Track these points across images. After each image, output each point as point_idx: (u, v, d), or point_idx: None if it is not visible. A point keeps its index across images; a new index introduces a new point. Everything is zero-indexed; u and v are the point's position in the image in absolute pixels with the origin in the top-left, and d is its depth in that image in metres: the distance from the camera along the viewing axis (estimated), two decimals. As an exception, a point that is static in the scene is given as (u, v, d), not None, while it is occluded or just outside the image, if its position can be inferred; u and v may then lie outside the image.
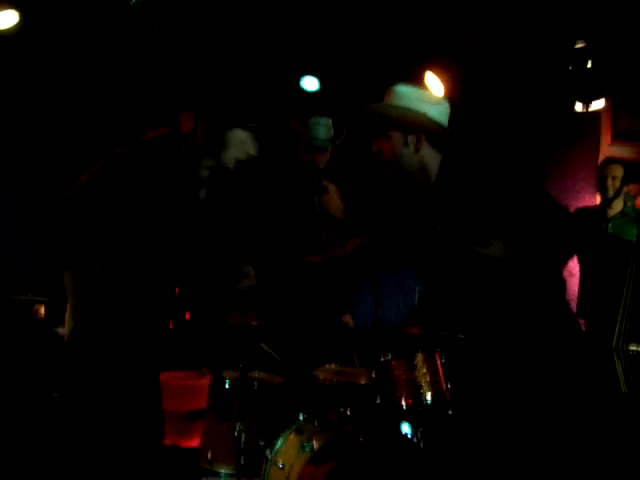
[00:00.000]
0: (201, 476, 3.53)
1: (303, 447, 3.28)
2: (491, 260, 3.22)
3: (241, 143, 3.65)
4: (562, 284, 3.49)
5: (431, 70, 5.36)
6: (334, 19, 5.23)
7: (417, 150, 3.46)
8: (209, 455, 3.54)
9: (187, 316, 3.49)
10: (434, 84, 5.33)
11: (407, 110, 3.41)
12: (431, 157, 3.50)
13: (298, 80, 5.26)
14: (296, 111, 4.43)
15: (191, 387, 3.79)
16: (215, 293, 3.83)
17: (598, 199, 6.07)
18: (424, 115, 3.41)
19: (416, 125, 3.43)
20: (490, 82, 5.59)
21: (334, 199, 4.55)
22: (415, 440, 3.54)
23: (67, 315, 3.70)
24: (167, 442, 3.86)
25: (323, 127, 4.31)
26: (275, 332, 3.85)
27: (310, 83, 5.27)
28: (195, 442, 3.73)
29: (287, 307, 4.20)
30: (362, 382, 3.71)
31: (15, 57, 4.88)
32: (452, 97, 5.38)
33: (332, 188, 4.56)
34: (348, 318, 4.64)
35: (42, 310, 4.48)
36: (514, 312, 3.31)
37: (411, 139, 3.45)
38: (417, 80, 5.44)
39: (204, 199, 3.74)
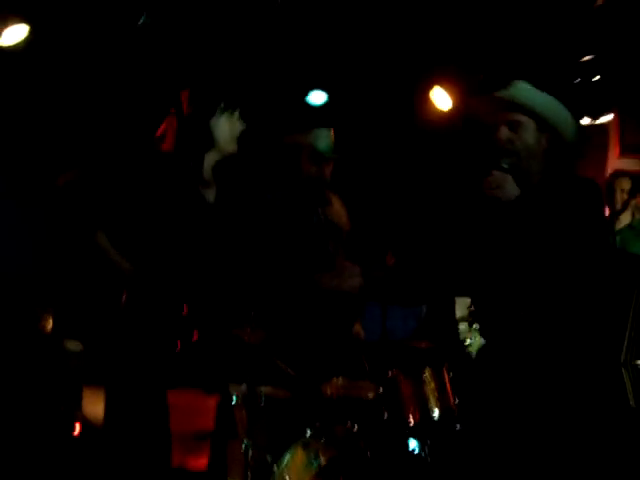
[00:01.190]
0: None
1: (310, 463, 3.28)
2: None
3: (233, 125, 3.67)
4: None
5: (439, 84, 5.36)
6: (339, 31, 5.24)
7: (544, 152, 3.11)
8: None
9: (195, 336, 3.49)
10: (442, 98, 5.33)
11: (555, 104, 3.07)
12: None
13: (301, 92, 5.28)
14: (298, 123, 4.44)
15: (198, 407, 3.78)
16: (223, 308, 3.83)
17: (606, 212, 6.06)
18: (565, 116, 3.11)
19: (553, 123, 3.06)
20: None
21: (338, 210, 4.56)
22: (423, 455, 3.53)
23: None
24: (174, 463, 3.82)
25: (325, 138, 4.33)
26: (282, 346, 3.85)
27: (317, 97, 5.27)
28: (202, 463, 3.72)
29: (296, 319, 4.19)
30: (370, 397, 3.71)
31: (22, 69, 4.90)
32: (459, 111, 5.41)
33: (336, 199, 4.56)
34: (359, 328, 4.62)
35: (49, 323, 4.47)
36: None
37: (544, 137, 3.09)
38: (424, 94, 5.46)
39: (212, 200, 3.76)
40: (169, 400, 3.63)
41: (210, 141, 3.68)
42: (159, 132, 3.74)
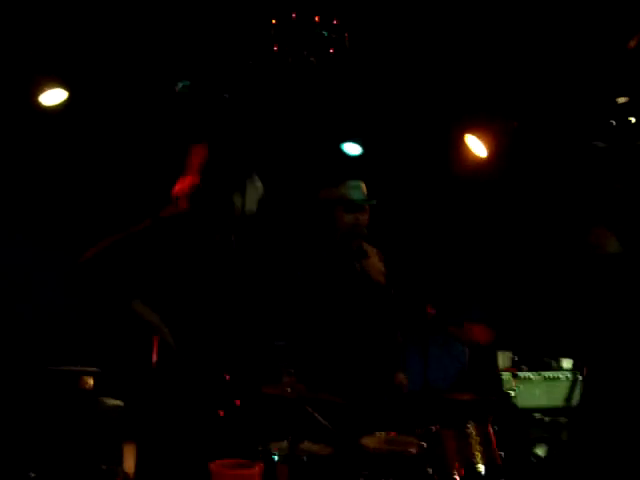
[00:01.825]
0: None
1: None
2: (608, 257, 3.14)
3: (255, 187, 3.75)
4: None
5: (472, 132, 5.35)
6: (370, 82, 5.28)
7: None
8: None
9: (237, 403, 3.48)
10: (476, 146, 5.32)
11: None
12: None
13: (335, 144, 5.32)
14: (332, 176, 4.49)
15: (243, 476, 3.71)
16: (261, 367, 3.83)
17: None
18: None
19: None
20: (533, 140, 5.56)
21: (375, 262, 4.54)
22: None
23: None
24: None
25: (357, 189, 4.37)
26: (322, 401, 3.82)
27: (352, 148, 5.30)
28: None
29: (338, 370, 4.16)
30: (413, 452, 3.64)
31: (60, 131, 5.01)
32: (495, 157, 5.39)
33: (373, 251, 4.55)
34: (402, 377, 4.57)
35: (90, 381, 4.50)
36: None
37: None
38: (459, 142, 5.45)
39: (238, 260, 3.81)
40: (211, 470, 3.58)
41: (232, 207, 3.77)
42: (175, 192, 3.82)
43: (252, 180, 3.82)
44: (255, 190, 3.84)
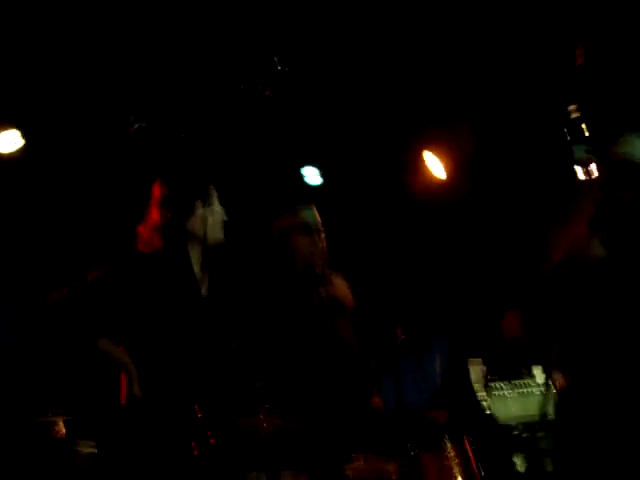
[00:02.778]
0: None
1: None
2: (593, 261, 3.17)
3: (217, 215, 3.77)
4: None
5: (429, 150, 5.40)
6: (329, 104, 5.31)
7: None
8: None
9: (211, 440, 3.45)
10: (433, 164, 5.37)
11: None
12: None
13: (292, 172, 5.33)
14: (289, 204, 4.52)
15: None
16: (233, 402, 3.80)
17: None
18: None
19: None
20: (489, 157, 5.62)
21: (340, 287, 4.55)
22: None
23: None
24: None
25: (310, 212, 4.40)
26: (299, 430, 3.81)
27: (313, 176, 5.32)
28: None
29: (311, 399, 4.15)
30: (394, 477, 3.64)
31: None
32: (453, 175, 5.44)
33: (337, 277, 4.56)
34: (377, 400, 4.57)
35: (63, 428, 4.43)
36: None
37: None
38: (416, 160, 5.49)
39: (205, 295, 3.80)
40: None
41: (190, 236, 3.77)
42: (142, 230, 3.82)
43: (210, 206, 3.81)
44: (216, 216, 3.82)
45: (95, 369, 4.20)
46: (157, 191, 3.85)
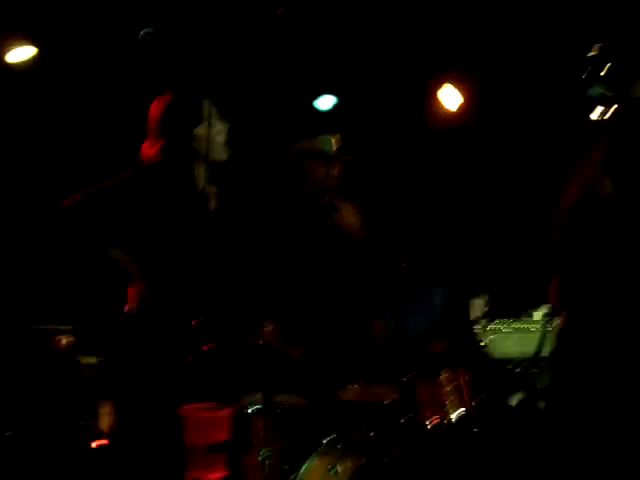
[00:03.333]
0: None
1: (328, 471, 3.26)
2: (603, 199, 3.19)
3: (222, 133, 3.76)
4: None
5: (448, 82, 5.32)
6: (345, 34, 5.23)
7: None
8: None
9: (205, 348, 3.49)
10: (451, 96, 5.30)
11: None
12: None
13: (307, 97, 5.27)
14: (304, 129, 4.48)
15: (212, 419, 3.75)
16: (236, 316, 3.84)
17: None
18: None
19: None
20: (505, 93, 5.54)
21: (348, 216, 4.55)
22: (441, 459, 3.50)
23: None
24: (190, 477, 3.79)
25: (327, 142, 4.38)
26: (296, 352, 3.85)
27: (325, 101, 5.26)
28: (218, 475, 3.69)
29: (311, 320, 4.19)
30: (387, 401, 3.68)
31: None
32: (469, 108, 5.38)
33: (346, 206, 4.56)
34: (377, 328, 4.60)
35: (64, 340, 4.47)
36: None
37: None
38: (434, 93, 5.42)
39: (214, 210, 3.82)
40: (183, 414, 3.62)
41: (196, 151, 3.76)
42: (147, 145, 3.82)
43: (213, 122, 3.79)
44: (218, 133, 3.81)
45: (103, 278, 4.23)
46: (158, 108, 3.83)
